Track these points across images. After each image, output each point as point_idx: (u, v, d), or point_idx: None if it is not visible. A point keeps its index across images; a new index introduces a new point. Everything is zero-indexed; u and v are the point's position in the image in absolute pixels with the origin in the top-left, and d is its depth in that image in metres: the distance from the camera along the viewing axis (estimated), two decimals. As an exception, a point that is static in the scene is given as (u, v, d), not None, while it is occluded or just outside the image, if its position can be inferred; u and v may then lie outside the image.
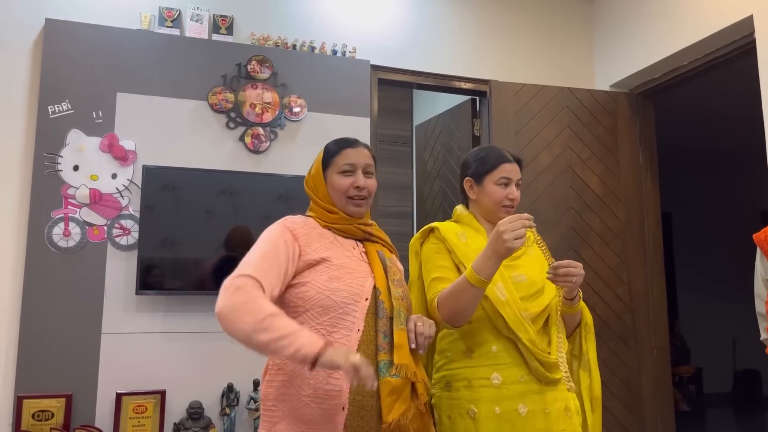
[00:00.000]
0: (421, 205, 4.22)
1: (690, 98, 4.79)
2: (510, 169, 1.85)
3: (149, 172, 2.78)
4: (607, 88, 3.73)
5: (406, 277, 1.78)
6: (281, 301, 1.55)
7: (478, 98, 3.66)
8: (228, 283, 1.43)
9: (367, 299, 1.55)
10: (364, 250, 1.66)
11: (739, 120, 5.22)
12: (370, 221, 1.74)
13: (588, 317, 1.87)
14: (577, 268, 1.70)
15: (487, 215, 1.88)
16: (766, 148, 2.72)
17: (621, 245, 3.52)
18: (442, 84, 3.59)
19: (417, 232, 4.31)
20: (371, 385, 1.35)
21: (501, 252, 1.59)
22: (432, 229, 1.86)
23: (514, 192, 1.85)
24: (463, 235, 1.83)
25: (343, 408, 1.46)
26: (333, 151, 1.68)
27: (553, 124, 3.50)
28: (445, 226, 1.86)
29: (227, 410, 2.75)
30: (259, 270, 1.46)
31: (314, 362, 1.34)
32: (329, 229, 1.64)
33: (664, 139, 4.27)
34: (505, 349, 1.73)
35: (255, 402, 2.78)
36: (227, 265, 2.78)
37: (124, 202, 2.80)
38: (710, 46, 3.14)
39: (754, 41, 2.85)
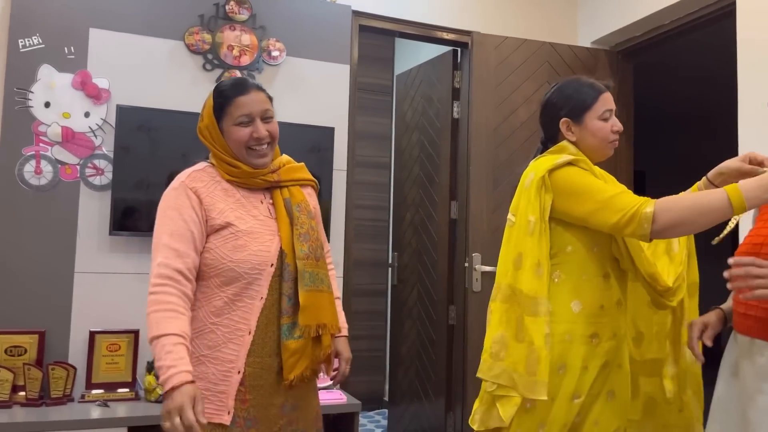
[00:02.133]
0: (399, 155, 4.23)
1: (669, 58, 4.81)
2: (609, 99, 1.72)
3: (123, 112, 2.74)
4: (588, 45, 3.72)
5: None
6: None
7: (459, 50, 3.63)
8: (151, 279, 1.49)
9: (272, 265, 1.54)
10: (271, 202, 1.62)
11: (715, 81, 5.25)
12: (280, 163, 1.68)
13: None
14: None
15: (591, 155, 1.72)
16: (738, 109, 2.77)
17: (592, 202, 3.59)
18: (424, 33, 3.55)
19: (401, 181, 4.26)
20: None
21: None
22: (570, 162, 1.65)
23: (618, 123, 1.72)
24: (593, 174, 1.69)
25: (239, 372, 1.50)
26: (224, 100, 1.57)
27: (532, 80, 3.50)
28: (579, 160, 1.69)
29: (200, 350, 2.81)
30: (173, 253, 1.48)
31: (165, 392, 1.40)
32: (232, 184, 1.59)
33: (641, 98, 4.30)
34: (611, 301, 1.70)
35: (228, 343, 2.84)
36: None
37: (97, 142, 2.76)
38: (691, 6, 3.14)
39: (734, 3, 2.85)
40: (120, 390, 2.65)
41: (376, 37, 4.06)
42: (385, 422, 4.40)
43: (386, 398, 4.64)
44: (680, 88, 5.89)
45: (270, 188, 1.63)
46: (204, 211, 1.52)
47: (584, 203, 1.59)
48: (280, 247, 1.56)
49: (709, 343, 1.63)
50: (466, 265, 3.35)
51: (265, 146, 1.59)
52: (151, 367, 2.66)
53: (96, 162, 2.75)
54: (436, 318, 3.63)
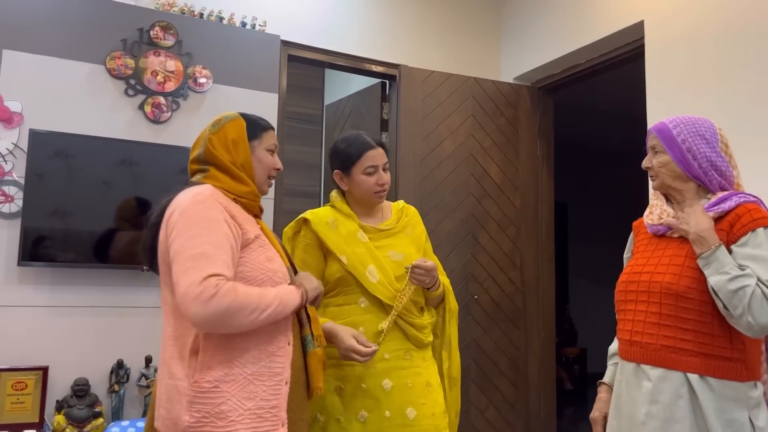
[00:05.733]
0: (328, 185, 4.23)
1: (585, 95, 5.06)
2: (374, 156, 1.89)
3: (37, 137, 2.62)
4: (511, 81, 3.87)
5: None
6: None
7: (388, 82, 3.70)
8: (199, 288, 1.35)
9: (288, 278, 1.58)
10: (259, 226, 1.65)
11: (627, 119, 5.57)
12: None
13: (453, 304, 1.98)
14: (430, 271, 1.83)
15: (361, 201, 1.94)
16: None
17: (516, 232, 3.70)
18: (354, 65, 3.60)
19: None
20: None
21: (340, 352, 1.72)
22: (305, 220, 1.90)
23: (383, 177, 1.90)
24: (334, 223, 1.89)
25: (286, 383, 1.50)
26: (261, 126, 1.65)
27: (458, 113, 3.60)
28: (317, 216, 1.90)
29: (116, 387, 2.67)
30: (222, 264, 1.40)
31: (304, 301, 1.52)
32: (237, 203, 1.58)
33: (562, 132, 4.50)
34: (372, 330, 1.81)
35: (147, 379, 2.72)
36: (120, 238, 2.71)
37: (7, 167, 2.62)
38: (605, 48, 3.34)
39: (643, 45, 3.05)
40: (26, 431, 2.48)
41: (306, 67, 4.08)
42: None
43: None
44: (599, 123, 6.20)
45: (256, 215, 1.66)
46: (239, 227, 1.50)
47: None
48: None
49: None
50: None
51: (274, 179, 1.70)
52: (60, 407, 2.51)
53: (5, 188, 2.61)
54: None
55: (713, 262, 1.46)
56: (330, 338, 1.73)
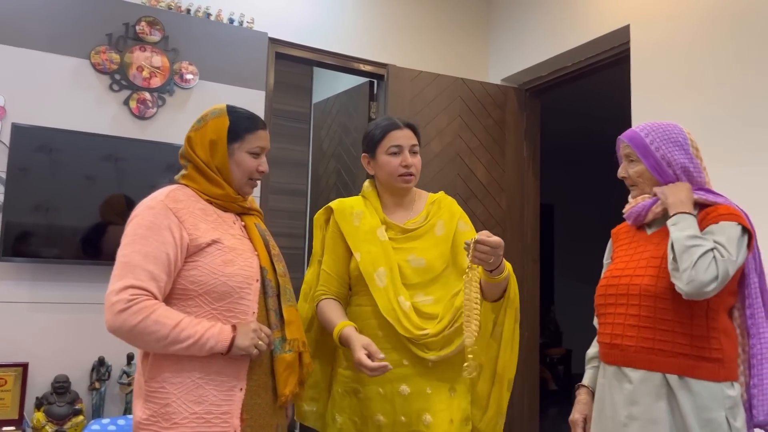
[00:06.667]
0: (315, 183, 4.22)
1: (572, 97, 5.08)
2: (399, 136, 1.78)
3: (19, 131, 2.59)
4: (498, 82, 3.88)
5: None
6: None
7: (376, 81, 3.69)
8: (115, 298, 1.38)
9: (257, 280, 1.54)
10: (243, 224, 1.63)
11: (613, 121, 5.61)
12: None
13: (514, 291, 1.77)
14: (496, 249, 1.55)
15: (388, 187, 1.83)
16: (632, 149, 2.96)
17: (501, 233, 3.71)
18: (342, 64, 3.59)
19: (317, 209, 4.32)
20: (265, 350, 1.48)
21: (355, 364, 1.59)
22: (330, 209, 1.84)
23: (408, 159, 1.78)
24: (358, 217, 1.80)
25: (241, 389, 1.48)
26: (246, 128, 1.60)
27: (445, 113, 3.61)
28: (342, 206, 1.82)
29: (97, 385, 2.65)
30: (146, 275, 1.40)
31: (227, 352, 1.43)
32: (210, 203, 1.57)
33: (548, 134, 4.52)
34: (389, 334, 1.71)
35: (128, 376, 2.70)
36: (103, 234, 2.69)
37: (-12, 162, 2.60)
38: (591, 51, 3.35)
39: (628, 50, 3.07)
40: (5, 428, 2.45)
41: (294, 65, 4.07)
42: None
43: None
44: (585, 125, 6.23)
45: (240, 213, 1.64)
46: (186, 232, 1.47)
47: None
48: (260, 264, 1.56)
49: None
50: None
51: (259, 180, 1.65)
52: (40, 404, 2.49)
53: (-14, 183, 2.58)
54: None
55: (681, 222, 1.50)
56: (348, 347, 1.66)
